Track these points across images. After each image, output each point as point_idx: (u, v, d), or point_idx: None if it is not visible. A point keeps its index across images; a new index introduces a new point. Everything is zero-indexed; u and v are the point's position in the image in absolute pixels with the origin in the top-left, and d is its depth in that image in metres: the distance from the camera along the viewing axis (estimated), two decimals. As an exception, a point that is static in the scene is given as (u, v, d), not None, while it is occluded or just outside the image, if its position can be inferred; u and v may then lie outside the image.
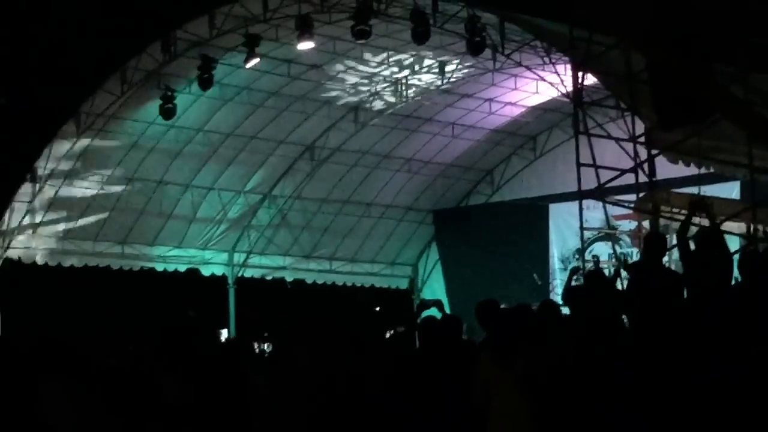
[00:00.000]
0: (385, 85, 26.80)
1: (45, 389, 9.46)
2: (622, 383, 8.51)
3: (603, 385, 8.54)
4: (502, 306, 10.11)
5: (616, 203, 17.95)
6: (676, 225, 16.95)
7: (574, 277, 14.38)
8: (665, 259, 11.29)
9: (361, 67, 25.55)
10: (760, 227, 16.18)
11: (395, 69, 25.92)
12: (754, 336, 8.04)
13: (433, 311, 10.71)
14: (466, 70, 25.82)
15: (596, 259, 17.10)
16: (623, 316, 10.48)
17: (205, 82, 23.11)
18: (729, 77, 13.21)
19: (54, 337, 9.95)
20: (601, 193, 17.09)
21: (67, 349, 9.60)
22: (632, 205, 17.82)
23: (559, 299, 19.21)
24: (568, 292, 10.32)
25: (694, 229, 11.87)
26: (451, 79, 26.37)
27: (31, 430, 9.31)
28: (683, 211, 16.26)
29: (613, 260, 20.57)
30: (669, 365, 8.42)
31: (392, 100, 27.20)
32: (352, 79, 26.08)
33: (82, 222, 26.56)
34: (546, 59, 23.08)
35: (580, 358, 8.71)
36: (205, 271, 28.49)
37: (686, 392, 8.24)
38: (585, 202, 17.85)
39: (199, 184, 27.95)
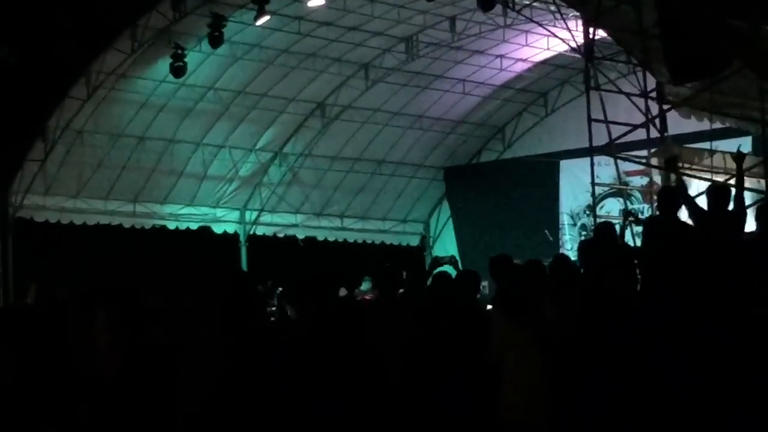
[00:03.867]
0: (396, 41, 26.73)
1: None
2: (634, 338, 8.55)
3: (614, 340, 8.58)
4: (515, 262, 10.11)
5: (627, 159, 17.97)
6: (688, 180, 16.99)
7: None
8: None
9: (371, 24, 25.47)
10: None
11: (406, 25, 25.84)
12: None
13: (446, 269, 10.73)
14: (476, 27, 25.71)
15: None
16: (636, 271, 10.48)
17: (216, 40, 23.06)
18: (742, 32, 13.16)
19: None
20: (612, 149, 17.12)
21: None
22: (644, 161, 17.82)
23: (569, 254, 19.25)
24: (581, 244, 10.32)
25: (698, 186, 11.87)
26: (462, 36, 26.27)
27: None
28: (695, 166, 16.30)
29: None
30: (683, 319, 8.45)
31: (403, 56, 27.12)
32: (362, 36, 26.00)
33: (93, 181, 26.61)
34: (557, 15, 22.96)
35: (592, 312, 8.74)
36: (217, 229, 28.41)
37: (700, 346, 8.27)
38: (596, 158, 17.86)
39: (210, 142, 27.97)
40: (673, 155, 15.09)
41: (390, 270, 10.19)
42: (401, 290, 10.96)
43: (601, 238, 10.16)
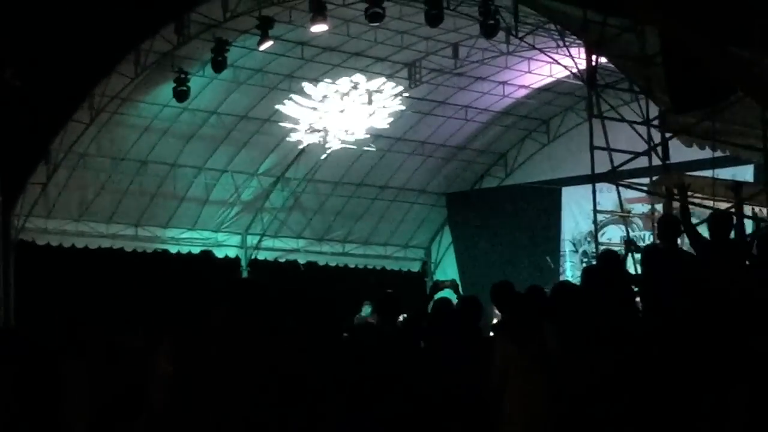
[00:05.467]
0: (399, 67, 26.77)
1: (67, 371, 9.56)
2: (637, 364, 8.54)
3: (619, 366, 8.58)
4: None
5: (629, 186, 17.96)
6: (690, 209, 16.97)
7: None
8: (679, 241, 11.22)
9: (374, 50, 25.53)
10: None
11: (409, 51, 25.89)
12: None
13: (447, 293, 10.73)
14: (479, 53, 25.77)
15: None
16: (636, 298, 10.48)
17: (219, 65, 23.12)
18: (744, 61, 13.17)
19: (76, 321, 10.05)
20: (614, 176, 17.11)
21: (89, 332, 9.69)
22: (645, 188, 17.82)
23: (570, 281, 19.12)
24: (585, 271, 10.31)
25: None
26: (465, 62, 26.32)
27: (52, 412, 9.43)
28: (697, 195, 16.29)
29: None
30: (685, 346, 8.44)
31: (406, 82, 27.16)
32: (365, 61, 26.04)
33: (95, 204, 26.63)
34: (560, 42, 23.00)
35: (597, 338, 8.74)
36: (219, 254, 28.44)
37: (702, 374, 8.26)
38: (598, 186, 17.85)
39: (213, 167, 28.00)
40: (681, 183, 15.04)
41: (391, 296, 10.20)
42: (403, 315, 10.97)
43: (605, 266, 10.15)
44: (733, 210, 13.18)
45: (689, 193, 16.35)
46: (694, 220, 11.69)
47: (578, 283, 10.39)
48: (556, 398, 8.71)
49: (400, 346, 9.67)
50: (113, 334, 10.27)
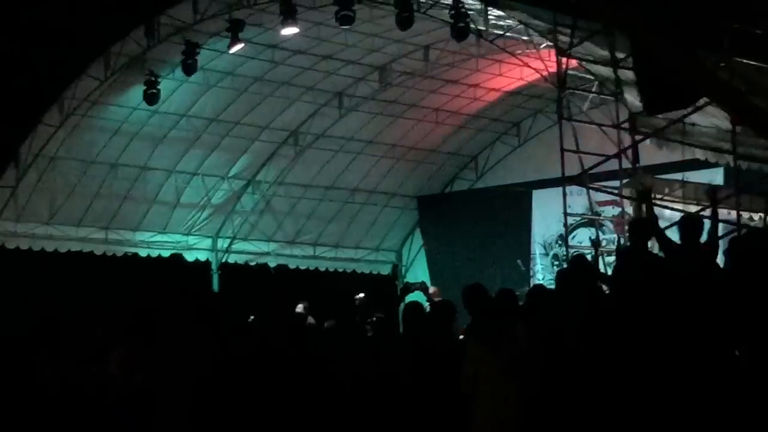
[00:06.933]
0: (370, 70, 26.77)
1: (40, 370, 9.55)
2: (607, 367, 8.55)
3: (590, 370, 8.58)
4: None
5: (599, 189, 18.03)
6: (659, 211, 17.05)
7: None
8: (649, 244, 11.26)
9: (345, 53, 25.51)
10: (745, 214, 16.23)
11: (380, 54, 25.89)
12: (740, 323, 8.04)
13: (417, 295, 10.74)
14: (450, 56, 25.78)
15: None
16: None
17: (189, 68, 23.04)
18: (713, 63, 13.25)
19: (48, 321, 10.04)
20: (584, 179, 17.17)
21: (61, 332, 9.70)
22: (616, 191, 17.89)
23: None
24: (558, 274, 10.34)
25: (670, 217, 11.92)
26: (436, 65, 26.32)
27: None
28: (666, 197, 16.37)
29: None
30: (654, 350, 8.46)
31: (376, 85, 27.15)
32: (336, 64, 26.03)
33: (65, 207, 26.49)
34: (530, 45, 23.05)
35: (567, 341, 8.75)
36: (189, 257, 28.30)
37: (668, 379, 8.27)
38: (568, 188, 17.91)
39: (183, 170, 27.90)
40: (647, 187, 15.13)
41: (345, 298, 10.20)
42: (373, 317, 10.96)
43: (577, 269, 10.17)
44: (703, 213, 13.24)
45: (659, 196, 16.47)
46: (664, 223, 11.73)
47: (551, 287, 10.41)
48: (527, 401, 8.71)
49: (361, 348, 9.67)
50: (84, 334, 10.25)
